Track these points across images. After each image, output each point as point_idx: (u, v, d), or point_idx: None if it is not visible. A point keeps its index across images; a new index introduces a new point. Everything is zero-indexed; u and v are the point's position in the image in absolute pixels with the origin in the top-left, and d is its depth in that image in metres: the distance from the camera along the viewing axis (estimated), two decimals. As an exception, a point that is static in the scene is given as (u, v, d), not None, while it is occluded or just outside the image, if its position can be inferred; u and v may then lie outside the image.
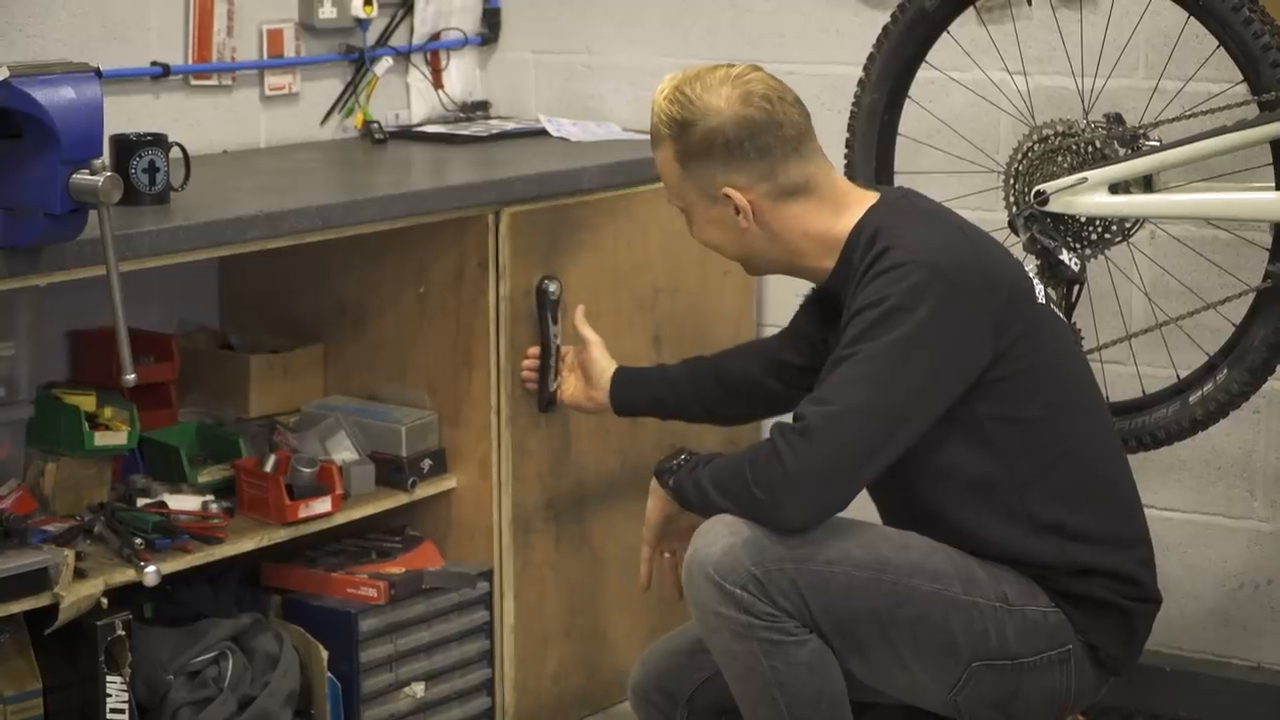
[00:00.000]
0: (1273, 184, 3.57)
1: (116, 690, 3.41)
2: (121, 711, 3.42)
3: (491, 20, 4.71)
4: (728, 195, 3.21)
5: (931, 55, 3.89)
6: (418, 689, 3.87)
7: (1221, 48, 3.60)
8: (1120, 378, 3.88)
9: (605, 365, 3.55)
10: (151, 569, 3.41)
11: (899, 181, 3.87)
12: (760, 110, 3.20)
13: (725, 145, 3.20)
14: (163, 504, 3.65)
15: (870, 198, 3.29)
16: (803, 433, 3.06)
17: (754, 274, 3.49)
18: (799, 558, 3.07)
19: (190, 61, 4.13)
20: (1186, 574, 4.09)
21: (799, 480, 3.05)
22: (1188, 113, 3.74)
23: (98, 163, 3.01)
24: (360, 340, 4.05)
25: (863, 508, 3.23)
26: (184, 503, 3.67)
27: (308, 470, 3.71)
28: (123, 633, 3.41)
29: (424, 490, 3.92)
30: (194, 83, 4.15)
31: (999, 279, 3.19)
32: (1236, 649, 4.19)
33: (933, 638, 3.17)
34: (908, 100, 3.92)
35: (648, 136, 3.41)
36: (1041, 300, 3.33)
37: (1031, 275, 3.47)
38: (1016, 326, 3.17)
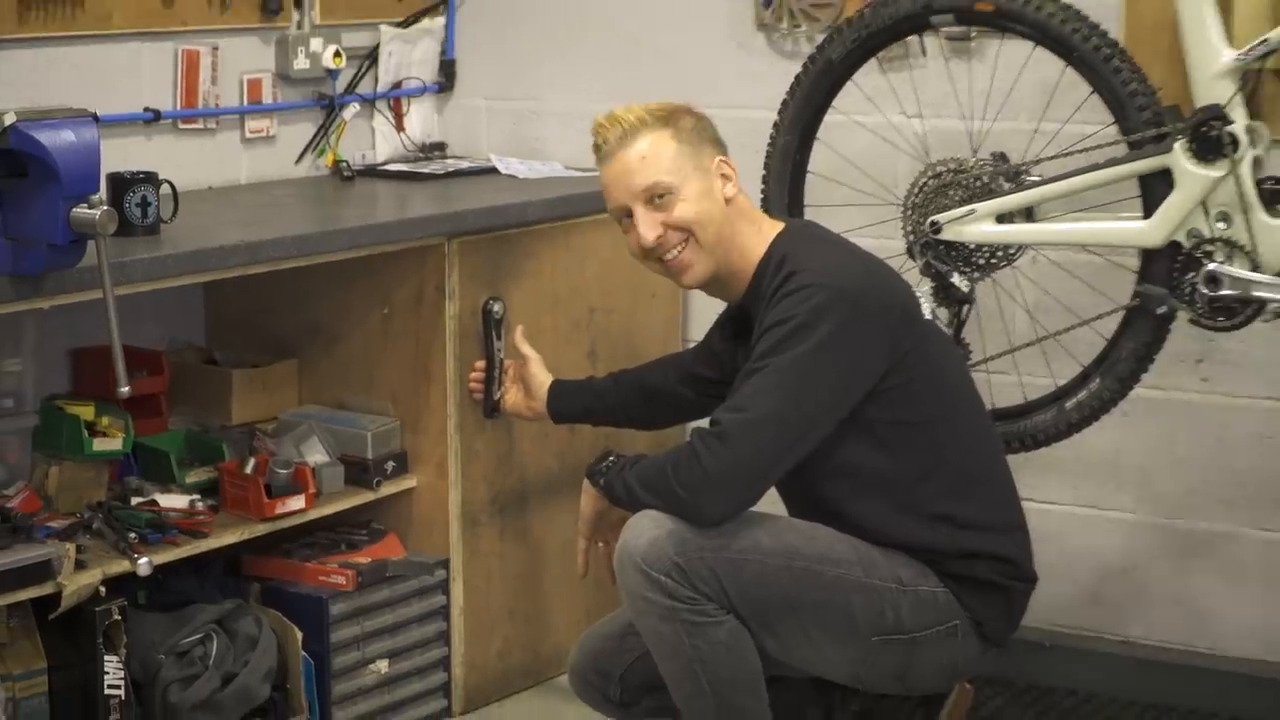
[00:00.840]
0: (1140, 214, 3.58)
1: (113, 669, 3.42)
2: (118, 688, 3.43)
3: (448, 71, 4.74)
4: (723, 163, 3.31)
5: (838, 101, 3.89)
6: (382, 665, 3.90)
7: (1095, 94, 3.62)
8: (1005, 386, 3.88)
9: (543, 379, 3.56)
10: (144, 560, 3.44)
11: (809, 214, 3.89)
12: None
13: (712, 133, 3.33)
14: (154, 502, 3.68)
15: (778, 226, 3.35)
16: (719, 437, 3.09)
17: (689, 280, 3.38)
18: (717, 547, 3.10)
19: (179, 107, 4.14)
20: (1062, 559, 4.10)
21: (716, 479, 3.08)
22: (1065, 151, 3.75)
23: (95, 198, 3.04)
24: (331, 356, 4.07)
25: (772, 502, 3.27)
26: (173, 501, 3.69)
27: (284, 471, 3.74)
28: (119, 617, 3.44)
29: (387, 489, 3.95)
30: (182, 126, 4.17)
31: (892, 300, 3.23)
32: (1106, 625, 4.23)
33: (836, 617, 3.19)
34: (817, 141, 3.92)
35: (587, 173, 3.46)
36: (928, 317, 3.37)
37: (921, 296, 3.52)
38: (906, 342, 3.21)
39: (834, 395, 3.16)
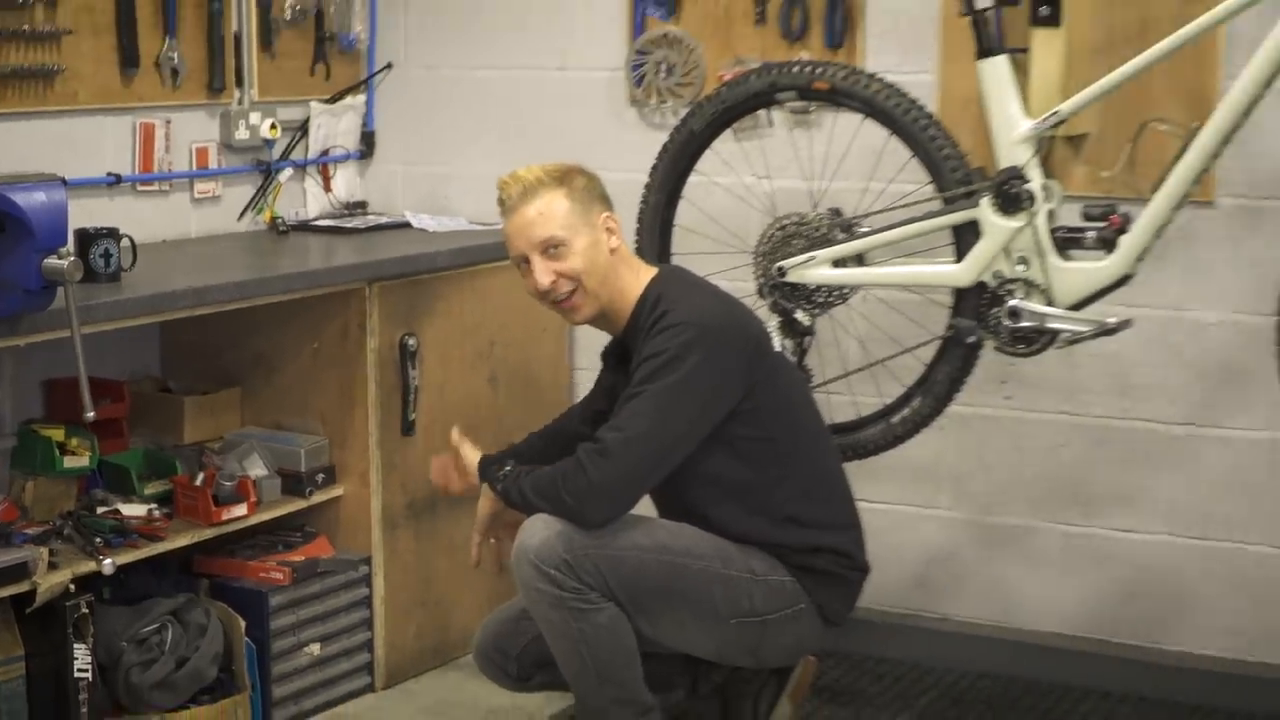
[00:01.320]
0: (953, 259, 3.60)
1: (82, 655, 3.38)
2: (86, 671, 3.39)
3: (368, 140, 4.73)
4: (608, 219, 3.34)
5: (699, 165, 3.91)
6: (314, 648, 3.87)
7: (914, 158, 3.65)
8: (841, 404, 3.90)
9: (472, 458, 3.52)
10: (108, 561, 3.43)
11: (676, 260, 3.88)
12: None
13: (601, 191, 3.34)
14: (117, 511, 3.64)
15: (653, 271, 3.37)
16: (601, 452, 3.12)
17: (577, 317, 3.39)
18: (599, 546, 3.13)
19: (137, 172, 4.11)
20: (891, 550, 4.10)
21: (598, 488, 3.11)
22: (890, 206, 3.79)
23: (64, 250, 3.04)
24: (269, 384, 4.04)
25: (644, 506, 3.28)
26: (133, 510, 3.66)
27: (229, 484, 3.73)
28: (86, 611, 3.40)
29: (318, 497, 3.93)
30: (139, 188, 4.13)
31: (748, 336, 3.27)
32: (929, 606, 4.26)
33: (700, 603, 3.22)
34: (682, 199, 3.93)
35: (488, 226, 3.47)
36: (778, 349, 3.43)
37: (771, 330, 3.56)
38: (760, 371, 3.25)
39: (698, 417, 3.19)
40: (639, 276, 3.34)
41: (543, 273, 3.27)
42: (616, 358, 3.43)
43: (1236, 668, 3.97)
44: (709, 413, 3.21)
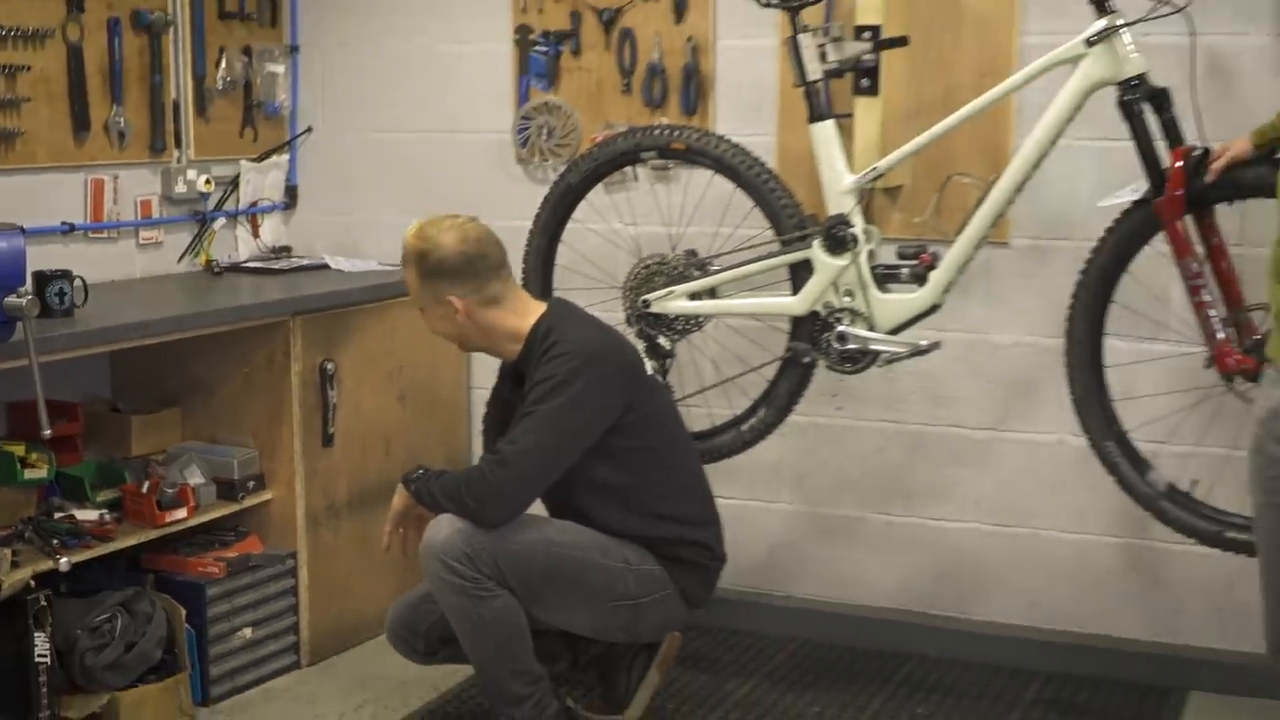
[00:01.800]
0: (790, 292, 3.63)
1: (41, 642, 3.32)
2: (45, 656, 3.33)
3: (291, 193, 4.67)
4: (450, 302, 3.26)
5: (576, 213, 3.91)
6: (246, 632, 3.82)
7: (757, 207, 3.68)
8: (698, 416, 3.91)
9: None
10: (65, 560, 3.39)
11: (557, 294, 3.86)
12: (473, 247, 3.28)
13: (448, 270, 3.26)
14: (72, 516, 3.59)
15: (542, 306, 3.36)
16: (499, 462, 3.15)
17: (466, 351, 3.49)
18: (495, 541, 3.15)
19: (89, 221, 4.05)
20: (743, 539, 4.09)
21: (496, 492, 3.14)
22: (737, 248, 3.80)
23: (23, 290, 3.03)
24: (206, 404, 3.97)
25: (537, 507, 3.28)
26: (87, 515, 3.60)
27: (171, 490, 3.68)
28: (45, 604, 3.34)
29: (249, 501, 3.88)
30: (91, 236, 4.07)
31: (624, 363, 3.30)
32: (775, 585, 4.27)
33: (582, 589, 3.25)
34: (561, 242, 3.93)
35: (398, 268, 3.46)
36: (650, 372, 3.42)
37: (642, 355, 3.56)
38: (635, 392, 3.28)
39: (582, 432, 3.22)
40: (525, 317, 3.32)
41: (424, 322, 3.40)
42: (513, 380, 3.42)
43: (1032, 633, 4.02)
44: (591, 429, 3.23)
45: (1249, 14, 3.62)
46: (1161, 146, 3.24)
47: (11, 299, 3.00)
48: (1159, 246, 3.28)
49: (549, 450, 3.20)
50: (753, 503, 4.25)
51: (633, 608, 3.32)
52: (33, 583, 3.33)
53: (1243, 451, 3.63)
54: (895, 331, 3.53)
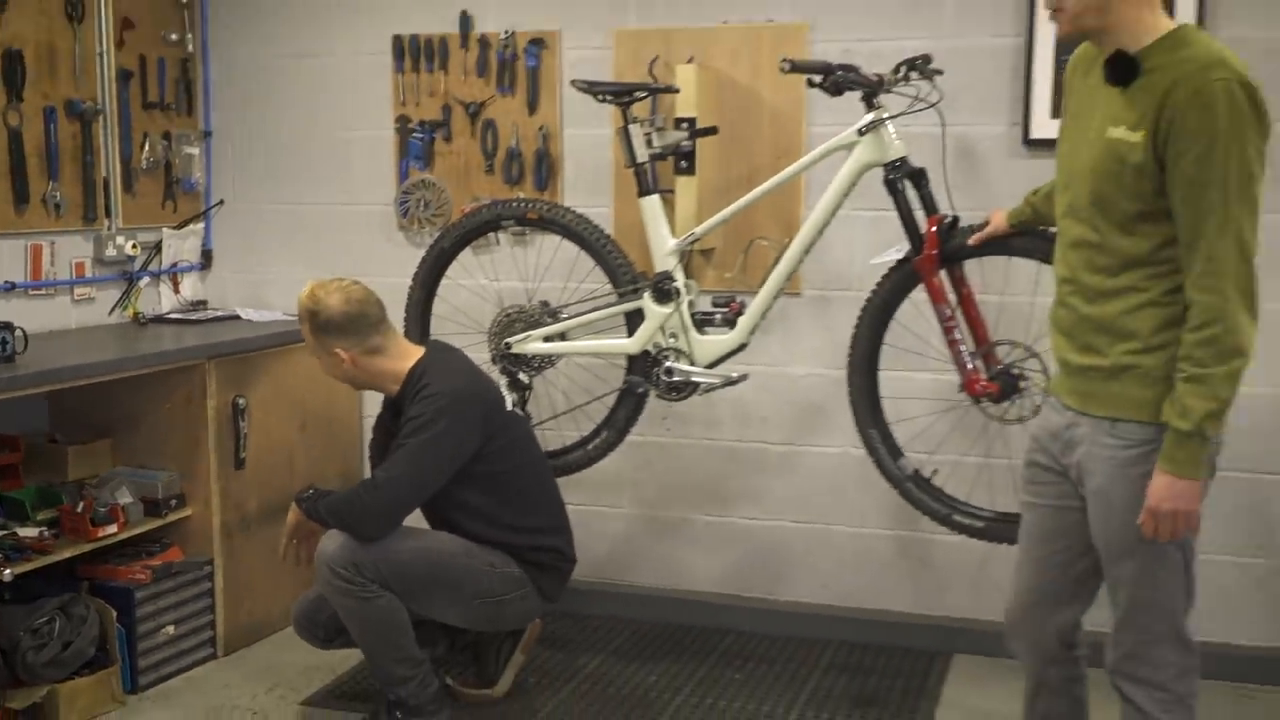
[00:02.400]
0: (626, 335, 3.62)
1: None
2: (-10, 657, 3.23)
3: (207, 255, 4.55)
4: (337, 354, 3.24)
5: (449, 271, 3.88)
6: (170, 629, 3.71)
7: (598, 266, 3.68)
8: (553, 437, 3.90)
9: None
10: (7, 571, 3.27)
11: (436, 337, 3.85)
12: (355, 308, 3.25)
13: (334, 326, 3.23)
14: (14, 534, 3.45)
15: (420, 351, 3.34)
16: (374, 486, 3.16)
17: (356, 389, 3.46)
18: (376, 551, 3.14)
19: (28, 280, 3.92)
20: (591, 537, 4.09)
21: (370, 512, 3.13)
22: (583, 299, 3.80)
23: None
24: (134, 435, 3.84)
25: (417, 519, 3.24)
26: (28, 532, 3.47)
27: (103, 509, 3.57)
28: (-10, 609, 3.23)
29: (172, 516, 3.76)
30: (31, 293, 3.93)
31: (484, 402, 3.30)
32: (617, 576, 4.25)
33: (453, 589, 3.24)
34: (437, 296, 3.90)
35: (296, 318, 3.41)
36: (509, 408, 3.44)
37: (503, 390, 3.54)
38: (494, 426, 3.28)
39: (444, 464, 3.22)
40: (404, 360, 3.30)
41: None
42: (393, 412, 3.38)
43: (825, 610, 4.07)
44: (451, 460, 3.22)
45: (988, 109, 3.74)
46: (920, 215, 3.31)
47: (-43, 348, 2.89)
48: (920, 295, 3.34)
49: (414, 478, 3.18)
50: (598, 507, 4.24)
51: (496, 604, 3.31)
52: (-21, 592, 3.20)
53: (979, 456, 3.77)
54: (711, 366, 3.55)
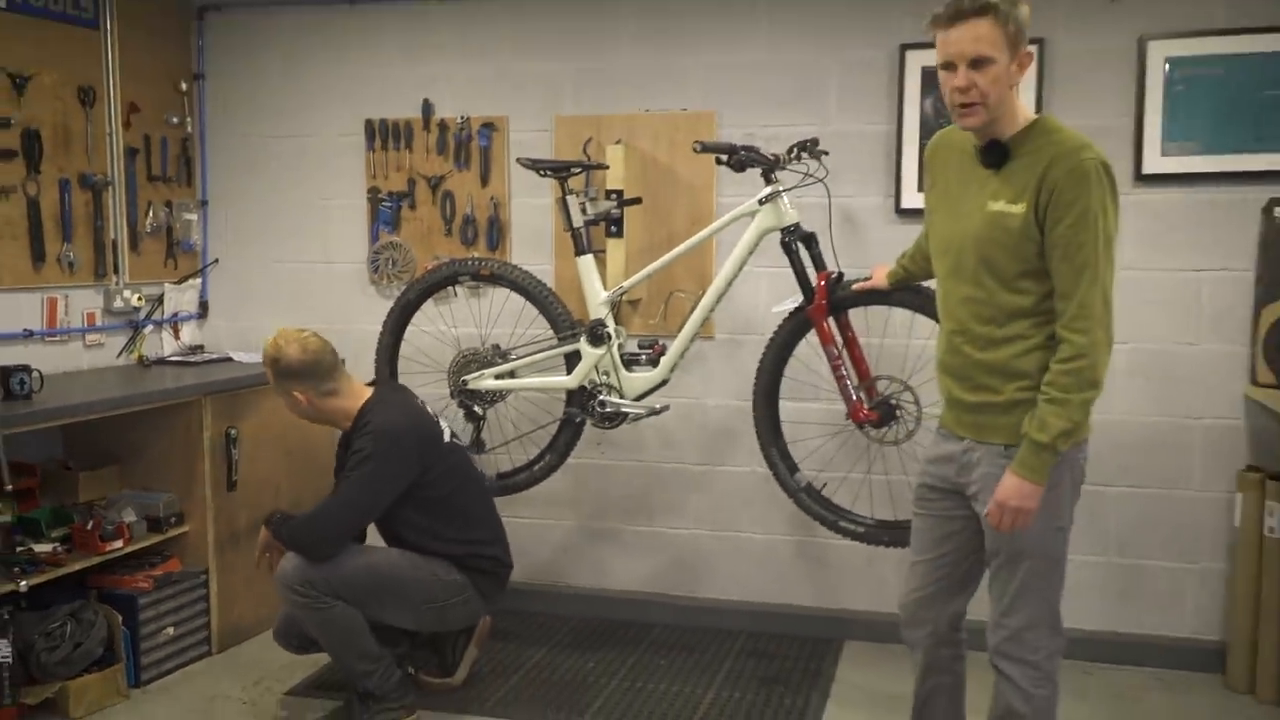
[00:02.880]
0: (566, 373, 3.61)
1: (4, 646, 3.15)
2: (7, 657, 3.16)
3: (204, 306, 4.49)
4: (295, 395, 3.22)
5: (414, 319, 3.86)
6: (170, 630, 3.64)
7: (541, 315, 3.66)
8: (503, 460, 3.89)
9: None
10: (24, 582, 3.21)
11: (402, 379, 3.82)
12: (311, 357, 3.23)
13: (292, 372, 3.22)
14: (31, 549, 3.38)
15: (369, 392, 3.32)
16: (321, 513, 3.18)
17: (315, 424, 3.39)
18: (329, 568, 3.12)
19: (45, 328, 3.85)
20: (537, 545, 4.09)
21: (318, 536, 3.13)
22: (530, 343, 3.80)
23: None
24: (138, 462, 3.78)
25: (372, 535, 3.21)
26: (42, 547, 3.40)
27: (110, 527, 3.50)
28: (7, 617, 3.16)
29: (171, 532, 3.70)
30: (47, 339, 3.86)
31: (420, 436, 3.27)
32: (559, 578, 4.23)
33: (399, 597, 3.22)
34: (404, 340, 3.86)
35: None
36: (447, 439, 3.37)
37: (459, 418, 3.51)
38: (432, 456, 3.26)
39: (382, 492, 3.19)
40: (356, 400, 3.28)
41: None
42: (346, 446, 3.34)
43: (738, 605, 4.08)
44: (391, 489, 3.19)
45: (865, 183, 3.81)
46: (811, 272, 3.36)
47: (-19, 388, 2.84)
48: (812, 338, 3.38)
49: (357, 507, 3.16)
50: (543, 520, 4.22)
51: (440, 608, 3.29)
52: (-2, 601, 3.13)
53: (862, 472, 3.81)
54: (638, 399, 3.56)
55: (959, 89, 2.28)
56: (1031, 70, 3.40)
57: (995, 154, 2.34)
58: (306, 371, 3.22)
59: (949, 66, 2.30)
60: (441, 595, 3.27)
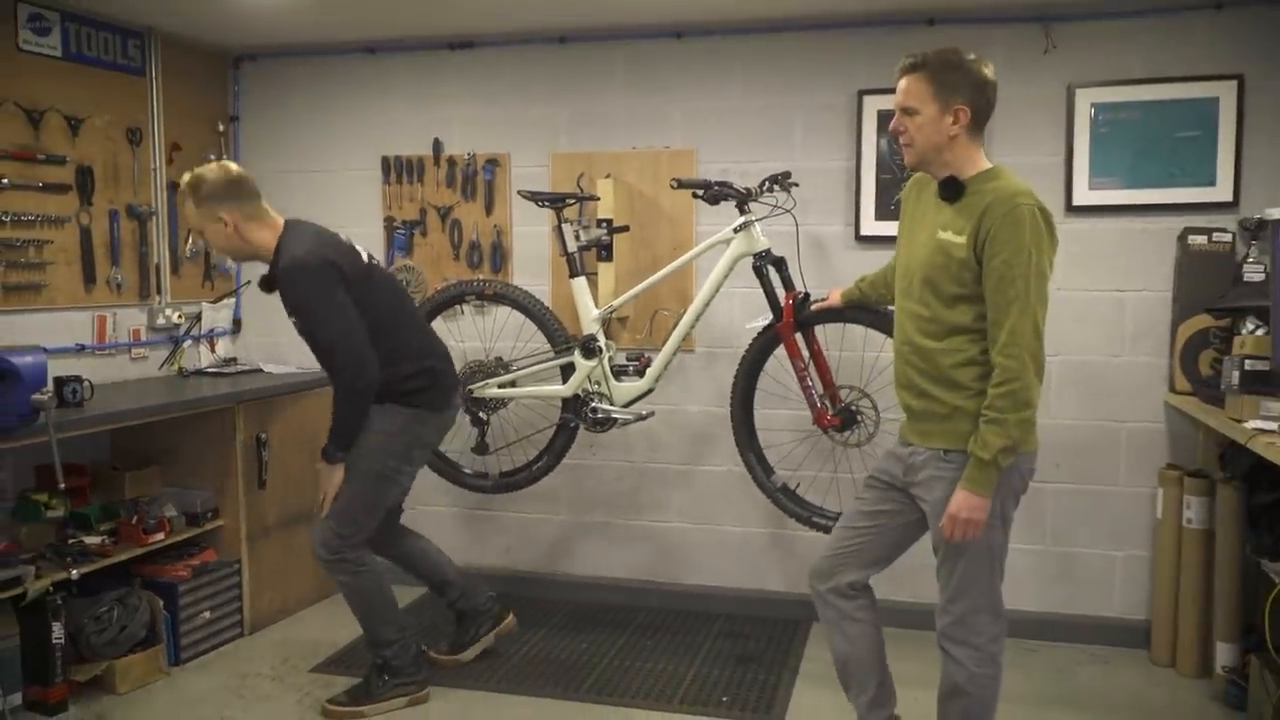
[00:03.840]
0: (561, 382, 3.61)
1: (57, 629, 3.13)
2: (60, 640, 3.13)
3: (237, 323, 4.48)
4: (221, 219, 2.90)
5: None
6: (206, 614, 3.63)
7: (540, 330, 3.67)
8: (505, 461, 3.87)
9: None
10: (75, 571, 3.18)
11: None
12: (234, 175, 2.93)
13: (216, 193, 2.90)
14: (81, 541, 3.36)
15: (280, 226, 2.97)
16: (330, 357, 2.89)
17: (238, 261, 3.01)
18: (325, 523, 3.06)
19: (95, 343, 3.84)
20: (535, 538, 4.03)
21: (348, 376, 2.89)
22: (530, 355, 3.77)
23: (45, 389, 2.89)
24: (178, 463, 3.77)
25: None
26: (92, 539, 3.38)
27: (153, 521, 3.49)
28: (60, 603, 3.13)
29: (208, 526, 3.68)
30: (97, 353, 3.85)
31: (339, 249, 2.96)
32: (555, 567, 4.17)
33: (380, 481, 3.06)
34: None
35: (306, 370, 3.31)
36: (365, 259, 3.04)
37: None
38: (353, 275, 2.94)
39: (339, 307, 2.88)
40: (275, 232, 2.94)
41: None
42: (267, 285, 3.00)
43: (716, 590, 4.07)
44: (340, 299, 2.87)
45: (829, 213, 3.83)
46: (780, 292, 3.37)
47: (36, 396, 2.86)
48: (781, 352, 3.39)
49: (339, 332, 2.87)
50: (540, 515, 4.21)
51: (404, 454, 3.06)
52: (51, 589, 3.12)
53: (829, 472, 3.81)
54: (627, 406, 3.56)
55: (894, 130, 2.38)
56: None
57: (951, 189, 2.39)
58: (231, 191, 2.87)
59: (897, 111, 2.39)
60: (401, 449, 3.05)
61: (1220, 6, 3.43)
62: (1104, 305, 3.62)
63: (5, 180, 3.47)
